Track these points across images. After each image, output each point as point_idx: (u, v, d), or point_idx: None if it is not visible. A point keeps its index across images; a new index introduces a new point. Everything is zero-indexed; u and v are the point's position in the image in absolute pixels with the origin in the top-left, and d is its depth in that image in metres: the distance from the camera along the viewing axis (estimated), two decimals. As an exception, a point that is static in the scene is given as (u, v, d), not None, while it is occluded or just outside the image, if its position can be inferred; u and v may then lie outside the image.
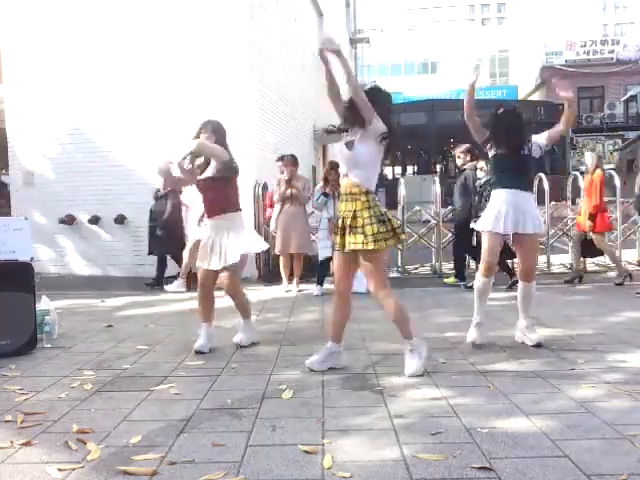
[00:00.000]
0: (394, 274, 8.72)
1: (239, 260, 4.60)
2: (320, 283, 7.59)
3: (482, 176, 7.51)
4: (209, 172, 4.62)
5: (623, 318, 5.62)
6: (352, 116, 3.87)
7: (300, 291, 7.77)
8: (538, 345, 4.50)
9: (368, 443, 2.79)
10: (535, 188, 8.58)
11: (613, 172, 9.43)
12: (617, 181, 8.93)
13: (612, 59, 34.76)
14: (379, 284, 3.91)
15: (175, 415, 3.21)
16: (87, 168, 9.52)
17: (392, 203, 9.39)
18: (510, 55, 51.35)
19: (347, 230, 3.86)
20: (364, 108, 3.76)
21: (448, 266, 8.84)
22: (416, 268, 9.45)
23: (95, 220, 9.64)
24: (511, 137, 4.57)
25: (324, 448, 2.73)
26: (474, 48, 50.31)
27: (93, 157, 9.54)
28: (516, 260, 7.61)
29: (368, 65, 36.56)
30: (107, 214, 9.56)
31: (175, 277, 8.18)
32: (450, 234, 8.93)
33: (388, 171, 29.94)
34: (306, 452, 2.69)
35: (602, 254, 8.26)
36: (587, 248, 8.01)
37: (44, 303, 5.20)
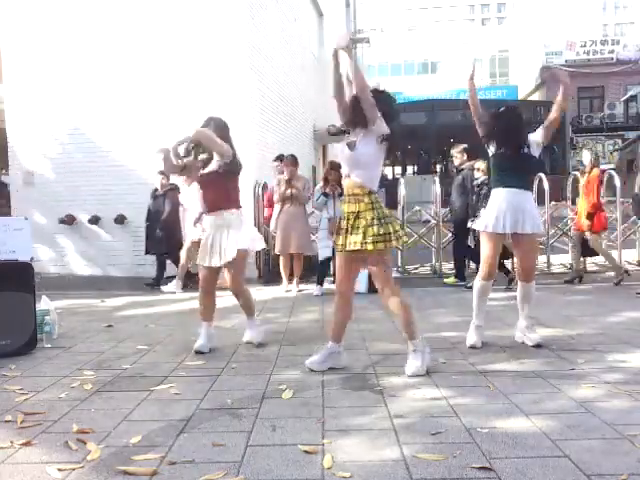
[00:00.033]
0: (394, 274, 8.70)
1: (240, 257, 4.60)
2: (320, 283, 7.59)
3: (479, 176, 7.52)
4: (213, 166, 4.61)
5: (623, 318, 5.62)
6: (355, 116, 3.86)
7: (300, 291, 7.77)
8: (538, 345, 4.50)
9: (368, 443, 2.79)
10: (535, 188, 8.61)
11: (613, 172, 9.44)
12: (617, 181, 8.92)
13: (612, 59, 34.77)
14: (385, 283, 3.92)
15: (175, 415, 3.21)
16: (87, 168, 9.53)
17: (392, 203, 9.39)
18: (510, 55, 51.35)
19: (349, 231, 3.87)
20: (369, 107, 3.75)
21: (448, 266, 8.84)
22: (416, 268, 9.46)
23: (95, 220, 9.64)
24: (511, 136, 4.57)
25: (324, 448, 2.73)
26: (474, 48, 50.28)
27: (93, 157, 9.55)
28: (508, 261, 7.68)
29: (368, 65, 36.51)
30: (107, 214, 9.57)
31: (175, 277, 8.18)
32: (450, 234, 8.93)
33: (388, 171, 29.95)
34: (306, 452, 2.69)
35: (602, 254, 8.27)
36: (587, 248, 8.01)
37: (44, 303, 5.20)
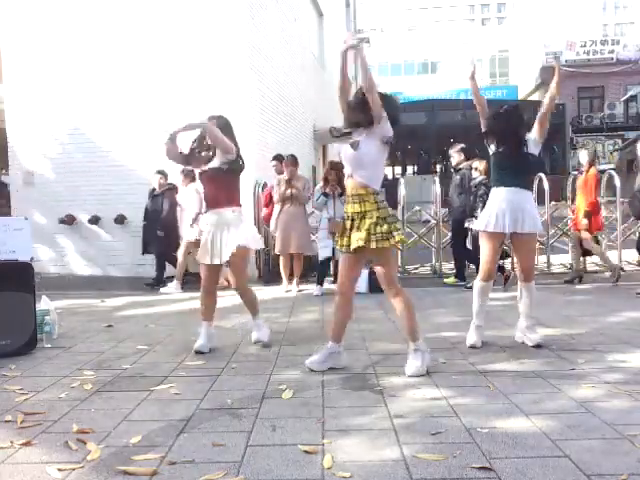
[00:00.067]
0: (394, 274, 8.71)
1: (241, 255, 4.59)
2: (320, 283, 7.58)
3: (477, 176, 7.51)
4: (216, 163, 4.61)
5: (623, 318, 5.62)
6: (358, 115, 3.86)
7: (300, 291, 7.77)
8: (538, 345, 4.50)
9: (368, 443, 2.79)
10: (535, 188, 8.61)
11: (613, 172, 9.44)
12: (617, 181, 8.93)
13: (612, 59, 34.75)
14: (389, 282, 3.93)
15: (175, 415, 3.21)
16: (87, 168, 9.53)
17: (392, 203, 9.35)
18: (510, 55, 51.35)
19: (353, 230, 3.87)
20: (376, 106, 3.75)
21: (448, 266, 8.84)
22: (416, 268, 9.45)
23: (95, 220, 9.65)
24: (511, 135, 4.58)
25: (324, 448, 2.73)
26: (474, 48, 50.28)
27: (93, 157, 9.55)
28: (507, 260, 7.68)
29: (368, 65, 36.56)
30: (107, 214, 9.57)
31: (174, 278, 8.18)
32: (450, 234, 8.93)
33: (388, 171, 29.94)
34: (306, 452, 2.69)
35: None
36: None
37: (44, 303, 5.20)
